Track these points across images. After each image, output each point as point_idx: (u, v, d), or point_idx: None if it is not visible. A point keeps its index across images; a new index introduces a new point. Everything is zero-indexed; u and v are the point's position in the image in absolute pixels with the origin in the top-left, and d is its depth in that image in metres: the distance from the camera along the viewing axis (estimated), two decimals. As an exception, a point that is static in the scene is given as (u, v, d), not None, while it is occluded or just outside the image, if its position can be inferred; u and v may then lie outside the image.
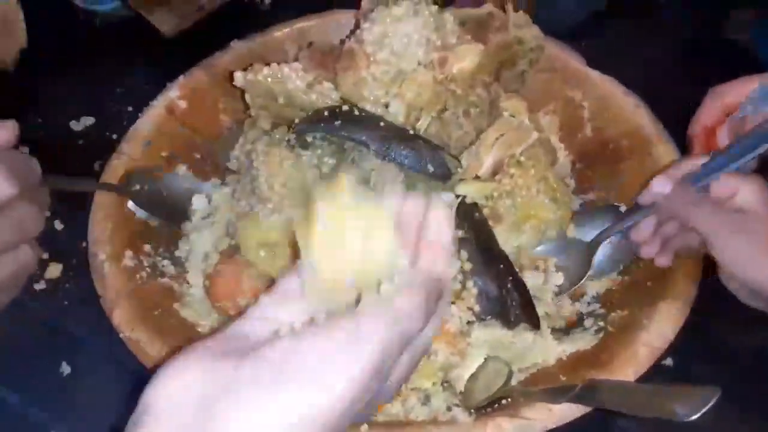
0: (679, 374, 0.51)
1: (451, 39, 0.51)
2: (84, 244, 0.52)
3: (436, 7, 0.52)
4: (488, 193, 0.52)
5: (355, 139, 0.49)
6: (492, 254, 0.51)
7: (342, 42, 0.57)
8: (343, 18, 0.65)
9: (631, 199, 0.53)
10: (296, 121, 0.51)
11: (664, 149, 0.57)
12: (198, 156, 0.62)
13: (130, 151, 0.58)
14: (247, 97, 0.54)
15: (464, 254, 0.49)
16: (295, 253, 0.34)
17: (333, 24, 0.65)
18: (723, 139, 0.50)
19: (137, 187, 0.55)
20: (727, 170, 0.44)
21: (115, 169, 0.56)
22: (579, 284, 0.54)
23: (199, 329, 0.50)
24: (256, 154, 0.52)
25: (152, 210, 0.55)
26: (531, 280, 0.52)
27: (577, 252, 0.54)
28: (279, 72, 0.51)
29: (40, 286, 0.56)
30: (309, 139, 0.51)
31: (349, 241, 0.30)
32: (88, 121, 0.70)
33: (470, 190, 0.52)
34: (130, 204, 0.54)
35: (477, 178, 0.53)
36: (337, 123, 0.49)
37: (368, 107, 0.52)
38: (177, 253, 0.57)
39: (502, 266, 0.50)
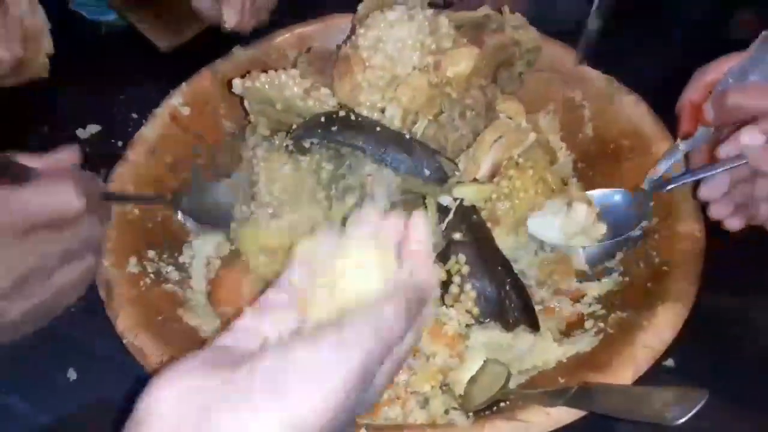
0: (680, 375, 0.50)
1: (446, 43, 0.52)
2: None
3: (431, 11, 0.53)
4: (486, 195, 0.52)
5: (352, 145, 0.49)
6: (490, 256, 0.51)
7: (339, 47, 0.57)
8: (343, 22, 0.65)
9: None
10: (293, 127, 0.52)
11: (666, 148, 0.57)
12: (201, 161, 0.63)
13: (135, 158, 0.59)
14: (246, 103, 0.55)
15: (462, 257, 0.49)
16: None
17: (333, 28, 0.65)
18: (708, 113, 0.51)
19: (185, 200, 0.58)
20: None
21: (120, 175, 0.57)
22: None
23: (202, 334, 0.51)
24: (255, 160, 0.53)
25: (199, 219, 0.58)
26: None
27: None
28: (276, 79, 0.52)
29: (48, 292, 0.57)
30: (306, 144, 0.52)
31: (331, 280, 0.33)
32: (94, 128, 0.71)
33: (468, 193, 0.52)
34: (179, 215, 0.57)
35: (475, 180, 0.53)
36: (334, 129, 0.50)
37: (365, 112, 0.52)
38: (181, 259, 0.58)
39: (500, 268, 0.50)
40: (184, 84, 0.63)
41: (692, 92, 0.53)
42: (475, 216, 0.52)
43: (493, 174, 0.53)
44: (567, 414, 0.41)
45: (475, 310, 0.49)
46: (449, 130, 0.51)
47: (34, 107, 0.74)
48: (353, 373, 0.29)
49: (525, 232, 0.54)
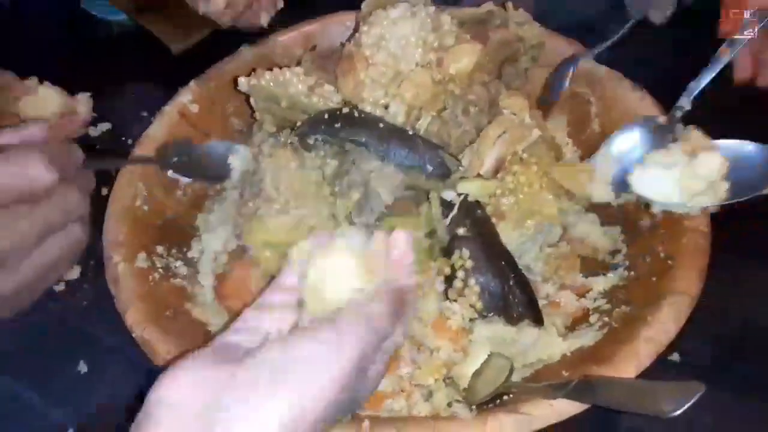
0: (685, 369, 0.50)
1: (449, 40, 0.52)
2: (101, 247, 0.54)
3: (434, 8, 0.53)
4: (491, 191, 0.52)
5: (355, 141, 0.50)
6: (494, 251, 0.51)
7: (342, 45, 0.58)
8: (347, 20, 0.65)
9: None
10: (298, 123, 0.52)
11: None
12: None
13: (143, 154, 0.60)
14: (252, 101, 0.56)
15: (466, 252, 0.50)
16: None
17: (337, 26, 0.66)
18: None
19: (174, 158, 0.57)
20: None
21: (130, 171, 0.58)
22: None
23: (210, 329, 0.52)
24: (261, 156, 0.54)
25: (191, 175, 0.58)
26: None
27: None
28: (281, 76, 0.52)
29: (59, 287, 0.58)
30: (311, 141, 0.52)
31: (331, 282, 0.36)
32: (105, 126, 0.73)
33: (472, 189, 0.52)
34: (170, 173, 0.57)
35: (479, 176, 0.53)
36: (338, 125, 0.50)
37: (368, 108, 0.52)
38: (189, 254, 0.59)
39: (504, 263, 0.51)
40: (192, 82, 0.64)
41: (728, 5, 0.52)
42: (479, 211, 0.52)
43: (497, 169, 0.53)
44: (569, 407, 0.41)
45: (479, 305, 0.49)
46: (452, 126, 0.52)
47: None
48: (350, 363, 0.32)
49: (530, 226, 0.54)
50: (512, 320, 0.49)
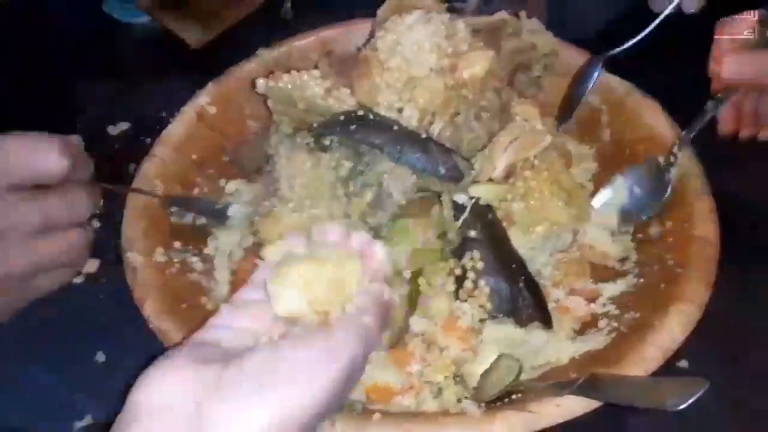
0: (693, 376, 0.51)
1: (463, 46, 0.53)
2: (119, 242, 0.55)
3: (448, 15, 0.54)
4: (501, 195, 0.53)
5: (369, 143, 0.51)
6: (505, 254, 0.52)
7: (359, 50, 0.59)
8: (364, 26, 0.67)
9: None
10: (314, 125, 0.54)
11: (681, 154, 0.57)
12: (226, 159, 0.65)
13: (162, 154, 0.61)
14: (269, 103, 0.57)
15: (477, 254, 0.50)
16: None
17: (354, 32, 0.67)
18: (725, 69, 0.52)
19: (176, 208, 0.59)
20: None
21: (147, 170, 0.60)
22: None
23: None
24: (278, 157, 0.55)
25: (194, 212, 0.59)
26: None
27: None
28: (298, 79, 0.54)
29: (78, 280, 0.60)
30: (326, 142, 0.53)
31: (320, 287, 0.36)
32: (124, 126, 0.74)
33: (483, 192, 0.53)
34: (174, 209, 0.58)
35: (491, 180, 0.54)
36: (353, 127, 0.51)
37: (383, 112, 0.54)
38: (206, 251, 0.60)
39: (514, 266, 0.51)
40: (210, 83, 0.65)
41: (718, 47, 0.54)
42: (490, 215, 0.53)
43: (508, 175, 0.54)
44: (577, 406, 0.42)
45: (489, 306, 0.50)
46: (465, 131, 0.53)
47: (68, 104, 0.78)
48: (341, 372, 0.32)
49: (539, 232, 0.55)
50: (521, 322, 0.50)
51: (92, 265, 0.61)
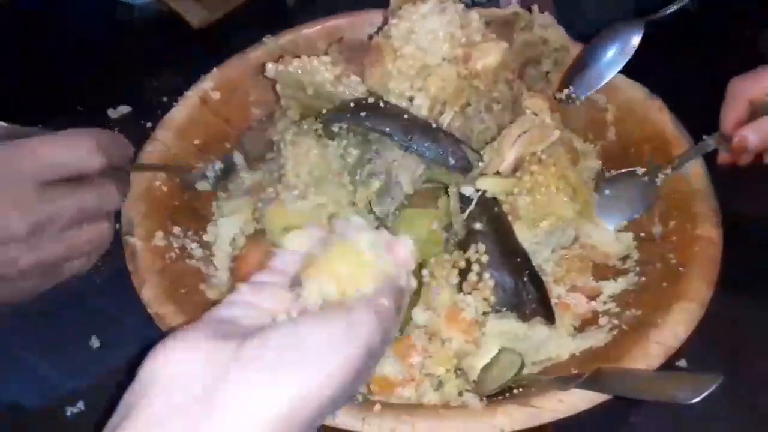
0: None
1: (476, 36, 0.53)
2: (118, 226, 0.54)
3: (462, 5, 0.54)
4: (508, 189, 0.53)
5: (379, 130, 0.50)
6: (510, 248, 0.52)
7: (370, 38, 0.59)
8: (375, 17, 0.66)
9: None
10: (323, 111, 0.53)
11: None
12: (228, 145, 0.64)
13: (164, 138, 0.60)
14: (278, 87, 0.56)
15: (482, 246, 0.50)
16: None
17: (362, 23, 0.67)
18: (751, 139, 0.52)
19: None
20: None
21: (149, 155, 0.59)
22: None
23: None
24: (284, 143, 0.54)
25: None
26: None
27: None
28: (308, 64, 0.53)
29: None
30: (335, 129, 0.53)
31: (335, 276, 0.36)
32: (125, 109, 0.73)
33: (490, 185, 0.52)
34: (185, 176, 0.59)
35: (498, 174, 0.53)
36: (363, 114, 0.51)
37: (393, 100, 0.53)
38: (205, 238, 0.59)
39: (519, 260, 0.51)
40: (215, 69, 0.65)
41: (737, 112, 0.54)
42: (496, 208, 0.52)
43: (516, 168, 0.54)
44: (580, 401, 0.42)
45: (492, 299, 0.49)
46: (475, 122, 0.52)
47: (68, 87, 0.76)
48: (359, 351, 0.31)
49: (544, 227, 0.55)
50: (524, 316, 0.50)
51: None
